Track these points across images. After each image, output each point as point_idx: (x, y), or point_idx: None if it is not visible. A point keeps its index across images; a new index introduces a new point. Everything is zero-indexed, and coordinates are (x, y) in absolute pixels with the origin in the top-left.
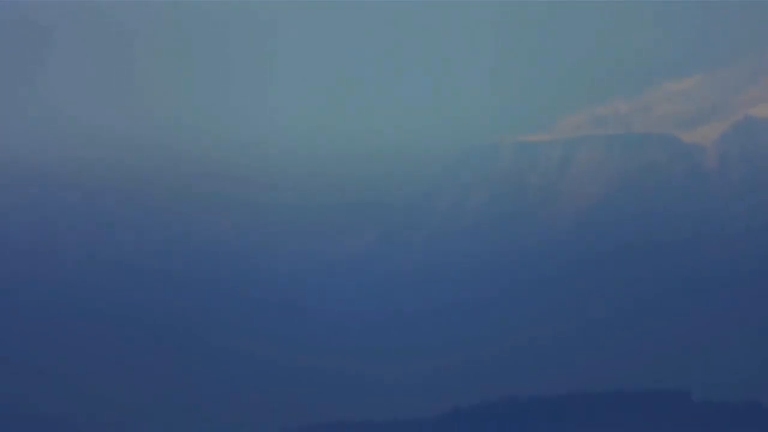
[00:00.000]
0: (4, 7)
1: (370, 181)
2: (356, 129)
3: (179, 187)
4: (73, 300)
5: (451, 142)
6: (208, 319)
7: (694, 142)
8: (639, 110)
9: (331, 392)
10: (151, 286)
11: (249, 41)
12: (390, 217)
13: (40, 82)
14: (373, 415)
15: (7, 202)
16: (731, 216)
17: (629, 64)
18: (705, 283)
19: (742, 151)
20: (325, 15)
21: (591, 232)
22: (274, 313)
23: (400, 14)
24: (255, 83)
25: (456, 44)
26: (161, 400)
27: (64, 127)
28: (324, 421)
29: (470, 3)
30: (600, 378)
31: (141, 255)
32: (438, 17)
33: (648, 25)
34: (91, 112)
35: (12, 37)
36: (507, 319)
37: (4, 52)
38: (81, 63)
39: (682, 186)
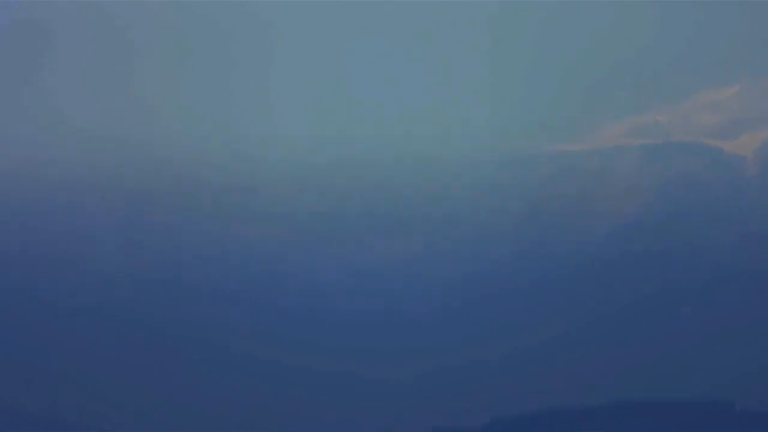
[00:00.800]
0: (4, 7)
1: (402, 188)
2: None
3: (180, 186)
4: (73, 301)
5: (488, 151)
6: (207, 320)
7: (735, 151)
8: (678, 119)
9: (331, 392)
10: (151, 287)
11: (249, 41)
12: (424, 227)
13: (40, 82)
14: (373, 415)
15: (6, 202)
16: None
17: (669, 72)
18: (744, 288)
19: None
20: (327, 16)
21: (627, 240)
22: (274, 314)
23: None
24: (256, 85)
25: (489, 49)
26: (162, 400)
27: (63, 127)
28: (324, 421)
29: (506, 3)
30: (602, 378)
31: (140, 255)
32: (466, 18)
33: (689, 31)
34: (91, 113)
35: (12, 37)
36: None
37: (4, 52)
38: (81, 63)
39: (722, 195)
